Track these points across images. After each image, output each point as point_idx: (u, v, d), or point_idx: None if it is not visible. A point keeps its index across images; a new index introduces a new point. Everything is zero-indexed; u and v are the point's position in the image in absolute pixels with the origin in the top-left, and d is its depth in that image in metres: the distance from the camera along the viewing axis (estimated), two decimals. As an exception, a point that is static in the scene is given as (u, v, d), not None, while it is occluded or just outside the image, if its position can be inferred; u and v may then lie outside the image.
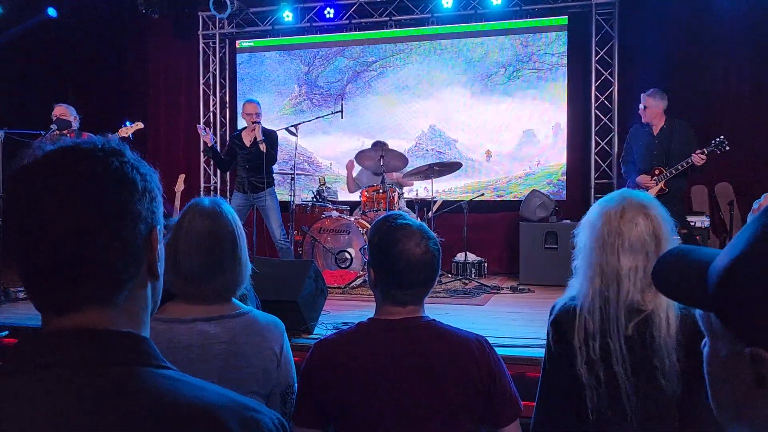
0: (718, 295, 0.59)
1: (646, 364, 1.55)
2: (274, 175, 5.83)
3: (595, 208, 1.67)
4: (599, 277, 1.59)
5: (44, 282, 0.71)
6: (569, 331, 1.61)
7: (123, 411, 0.66)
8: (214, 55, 7.91)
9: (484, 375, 1.46)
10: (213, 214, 1.51)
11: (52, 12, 7.49)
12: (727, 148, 4.85)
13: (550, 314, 1.70)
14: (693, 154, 4.84)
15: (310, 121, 6.74)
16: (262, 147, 5.47)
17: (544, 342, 1.74)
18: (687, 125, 5.11)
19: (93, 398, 0.66)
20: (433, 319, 1.54)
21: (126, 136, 5.29)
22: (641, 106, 5.17)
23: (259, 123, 5.56)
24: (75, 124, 5.27)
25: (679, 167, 4.92)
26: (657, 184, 5.01)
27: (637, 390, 1.55)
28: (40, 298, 0.72)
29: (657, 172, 5.05)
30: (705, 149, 4.85)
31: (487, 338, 1.58)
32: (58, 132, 5.01)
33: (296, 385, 1.58)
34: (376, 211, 5.67)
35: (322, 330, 3.57)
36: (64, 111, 5.26)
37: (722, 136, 4.86)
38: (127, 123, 5.35)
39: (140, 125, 5.41)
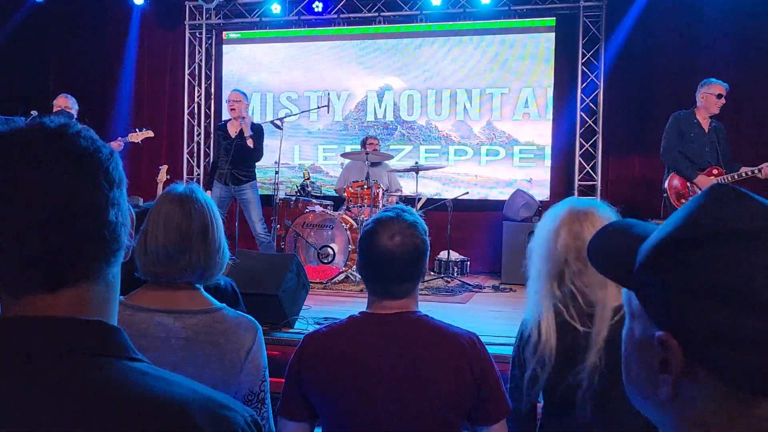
0: (639, 275, 0.59)
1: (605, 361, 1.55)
2: (256, 168, 5.77)
3: (545, 220, 1.66)
4: (558, 289, 1.59)
5: (36, 260, 0.67)
6: (537, 345, 1.60)
7: (91, 404, 0.63)
8: (200, 46, 7.81)
9: (476, 371, 1.45)
10: (183, 198, 1.50)
11: None
12: None
13: (519, 337, 1.69)
14: (764, 166, 4.54)
15: (296, 114, 6.71)
16: (249, 143, 5.42)
17: None
18: (723, 128, 4.85)
19: (61, 390, 0.64)
20: (426, 315, 1.53)
21: (136, 141, 5.29)
22: (723, 93, 4.71)
23: (245, 117, 5.48)
24: (75, 116, 5.21)
25: (744, 174, 4.58)
26: None
27: (598, 389, 1.55)
28: (25, 276, 0.68)
29: (716, 172, 4.69)
30: None
31: (470, 336, 1.57)
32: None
33: (267, 392, 1.52)
34: (360, 206, 5.66)
35: (303, 325, 3.54)
36: (68, 102, 5.21)
37: None
38: (136, 129, 5.36)
39: (150, 133, 5.42)
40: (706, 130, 4.77)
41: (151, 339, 1.40)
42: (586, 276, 1.56)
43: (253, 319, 1.54)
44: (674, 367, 0.55)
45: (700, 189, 4.56)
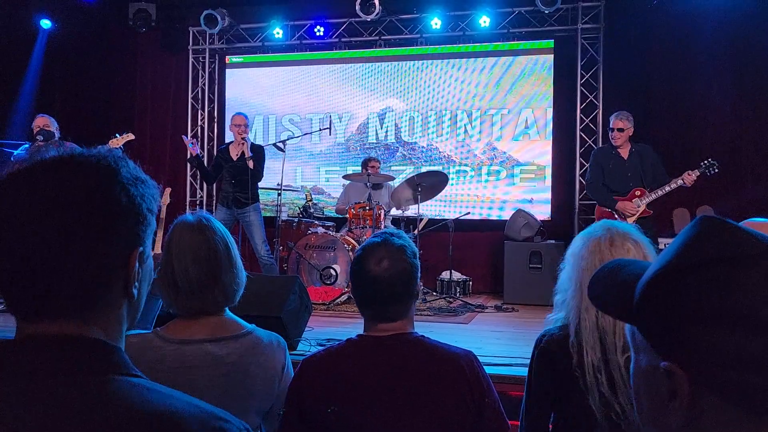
0: (639, 309, 0.60)
1: None
2: (259, 190, 5.81)
3: (579, 241, 1.65)
4: (594, 308, 1.58)
5: (12, 290, 0.72)
6: (563, 362, 1.58)
7: (90, 419, 0.66)
8: (204, 70, 7.92)
9: (474, 391, 1.45)
10: (201, 227, 1.53)
11: (45, 24, 7.49)
12: (716, 170, 4.88)
13: (537, 345, 1.67)
14: (685, 174, 4.81)
15: (298, 137, 6.77)
16: (250, 164, 5.47)
17: (528, 361, 1.73)
18: (651, 149, 5.12)
19: (62, 406, 0.67)
20: (422, 336, 1.54)
21: (117, 147, 5.25)
22: (615, 127, 5.05)
23: (246, 139, 5.55)
24: (57, 134, 5.26)
25: (667, 188, 4.88)
26: (639, 207, 4.95)
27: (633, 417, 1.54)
28: (11, 304, 0.73)
29: (638, 193, 4.98)
30: (697, 170, 4.84)
31: (471, 356, 1.57)
32: (43, 143, 4.98)
33: None
34: (363, 228, 5.69)
35: (305, 346, 3.55)
36: (47, 122, 5.25)
37: (710, 158, 4.90)
38: (117, 134, 5.33)
39: (131, 136, 5.38)
40: (626, 158, 5.08)
41: (204, 369, 1.44)
42: None
43: (280, 336, 1.63)
44: (682, 394, 0.56)
45: (623, 213, 4.96)
